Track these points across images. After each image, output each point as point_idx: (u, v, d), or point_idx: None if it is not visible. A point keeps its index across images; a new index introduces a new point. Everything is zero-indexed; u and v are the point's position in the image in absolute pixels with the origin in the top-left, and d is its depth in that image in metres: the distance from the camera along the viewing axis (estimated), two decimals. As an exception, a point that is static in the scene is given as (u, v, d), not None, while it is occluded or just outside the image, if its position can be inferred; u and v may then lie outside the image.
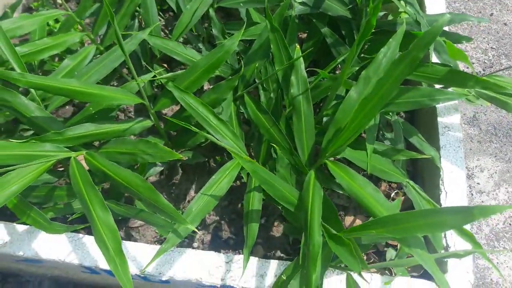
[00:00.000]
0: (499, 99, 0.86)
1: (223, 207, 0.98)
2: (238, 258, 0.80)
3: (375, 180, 1.01)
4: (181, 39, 0.98)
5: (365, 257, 0.94)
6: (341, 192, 0.85)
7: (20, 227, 0.80)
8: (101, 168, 0.71)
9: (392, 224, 0.60)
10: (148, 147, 0.73)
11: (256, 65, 0.88)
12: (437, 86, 0.97)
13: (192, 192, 1.00)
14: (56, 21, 1.17)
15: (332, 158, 0.76)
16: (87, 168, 0.71)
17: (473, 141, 1.35)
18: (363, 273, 0.77)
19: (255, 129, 0.89)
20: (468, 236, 0.70)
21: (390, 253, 0.92)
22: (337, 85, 0.78)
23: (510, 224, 1.19)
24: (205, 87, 1.12)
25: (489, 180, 1.26)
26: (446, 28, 1.06)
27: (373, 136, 0.75)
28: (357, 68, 0.85)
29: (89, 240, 0.80)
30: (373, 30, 0.70)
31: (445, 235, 0.86)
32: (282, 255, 0.92)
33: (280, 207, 0.79)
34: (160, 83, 1.08)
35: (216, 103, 0.83)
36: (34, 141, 0.72)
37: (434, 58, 0.89)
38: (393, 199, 1.02)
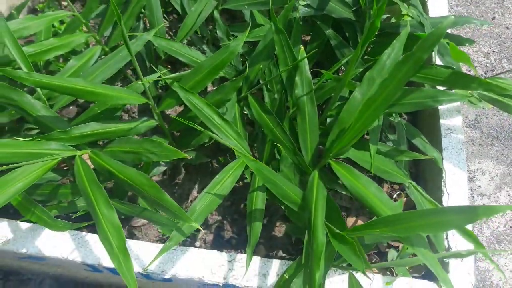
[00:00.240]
0: (501, 101, 0.86)
1: (225, 207, 0.98)
2: (241, 257, 0.80)
3: (377, 181, 1.01)
4: (185, 41, 0.99)
5: (367, 258, 0.95)
6: (343, 193, 0.85)
7: (24, 225, 0.81)
8: (106, 166, 0.71)
9: (396, 223, 0.61)
10: (153, 146, 0.74)
11: (260, 66, 0.88)
12: (439, 87, 0.98)
13: (195, 192, 1.00)
14: (61, 22, 1.18)
15: (335, 158, 0.76)
16: (92, 166, 0.71)
17: (474, 144, 1.35)
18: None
19: (259, 130, 0.90)
20: (471, 237, 0.71)
21: (392, 254, 0.92)
22: (341, 86, 0.78)
23: (511, 227, 1.19)
24: (209, 89, 1.13)
25: (490, 183, 1.26)
26: (448, 31, 1.06)
27: (377, 137, 0.76)
28: (360, 69, 0.85)
29: (92, 238, 0.80)
30: (376, 32, 0.70)
31: (446, 236, 0.86)
32: (284, 255, 0.92)
33: (283, 207, 0.80)
34: (164, 84, 1.09)
35: (221, 104, 0.84)
36: (39, 139, 0.72)
37: (437, 61, 0.89)
38: (395, 201, 1.02)
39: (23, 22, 0.83)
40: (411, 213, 0.61)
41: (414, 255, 0.89)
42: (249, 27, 0.86)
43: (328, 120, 0.86)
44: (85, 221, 0.80)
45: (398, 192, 1.04)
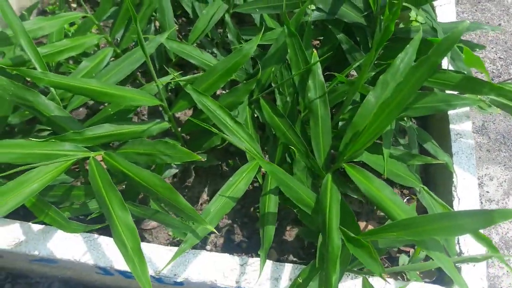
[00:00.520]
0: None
1: (235, 211, 0.98)
2: (253, 261, 0.80)
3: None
4: (195, 44, 0.99)
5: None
6: (355, 196, 0.85)
7: (36, 227, 0.80)
8: (120, 168, 0.71)
9: (411, 227, 0.61)
10: (167, 147, 0.74)
11: (272, 70, 0.88)
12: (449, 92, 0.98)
13: (204, 195, 1.00)
14: (71, 24, 1.19)
15: (349, 162, 0.76)
16: (105, 168, 0.71)
17: (482, 150, 1.35)
18: (377, 278, 0.78)
19: (270, 133, 0.90)
20: (485, 241, 0.71)
21: (403, 259, 0.92)
22: (354, 90, 0.78)
23: (519, 233, 1.19)
24: (218, 92, 1.13)
25: (498, 188, 1.26)
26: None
27: (390, 140, 0.76)
28: (372, 73, 0.86)
29: (104, 241, 0.80)
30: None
31: (458, 241, 0.86)
32: (295, 259, 0.92)
33: (295, 211, 0.80)
34: (173, 87, 1.09)
35: (233, 106, 0.84)
36: (53, 140, 0.72)
37: (444, 65, 0.90)
38: (405, 205, 1.02)
39: (37, 23, 0.83)
40: (426, 217, 0.61)
41: (426, 259, 0.89)
42: (262, 30, 0.86)
43: (340, 123, 0.86)
44: (98, 223, 0.80)
45: (407, 197, 1.03)
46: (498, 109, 0.88)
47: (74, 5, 1.28)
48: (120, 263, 0.78)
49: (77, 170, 0.92)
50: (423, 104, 0.77)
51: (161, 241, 0.94)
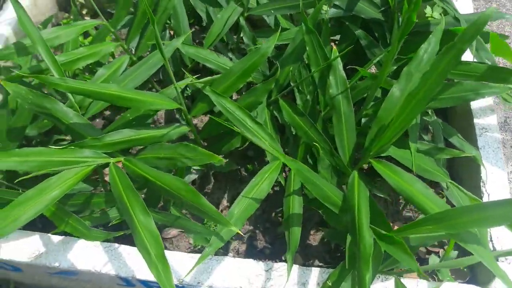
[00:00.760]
0: (540, 96, 0.84)
1: (257, 216, 0.96)
2: (278, 266, 0.77)
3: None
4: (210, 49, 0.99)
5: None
6: (381, 195, 0.82)
7: (55, 238, 0.79)
8: (141, 173, 0.70)
9: (445, 220, 0.58)
10: (187, 150, 0.72)
11: (290, 69, 0.87)
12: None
13: (224, 201, 0.98)
14: (85, 36, 1.19)
15: (376, 157, 0.74)
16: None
17: (506, 147, 1.31)
18: (408, 279, 0.74)
19: (290, 134, 0.88)
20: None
21: (433, 259, 0.88)
22: (377, 84, 0.76)
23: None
24: (234, 97, 1.12)
25: (526, 186, 1.21)
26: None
27: (416, 135, 0.73)
28: (394, 67, 0.84)
29: (125, 250, 0.78)
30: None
31: (491, 238, 0.83)
32: (321, 264, 0.89)
33: (320, 212, 0.77)
34: (189, 94, 1.08)
35: (252, 107, 0.82)
36: (72, 147, 0.71)
37: (471, 56, 0.87)
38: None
39: (54, 32, 0.83)
40: (460, 209, 0.58)
41: (457, 258, 0.85)
42: (280, 30, 0.85)
43: (363, 120, 0.84)
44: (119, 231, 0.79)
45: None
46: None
47: (87, 18, 1.29)
48: (142, 272, 0.75)
49: (96, 179, 0.91)
50: (449, 95, 0.74)
51: (182, 250, 0.92)
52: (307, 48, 0.81)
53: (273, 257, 0.91)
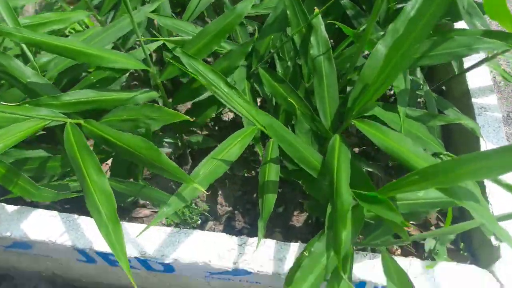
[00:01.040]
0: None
1: (237, 198, 0.88)
2: (253, 240, 0.70)
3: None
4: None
5: (399, 250, 0.82)
6: (371, 170, 0.75)
7: (10, 207, 0.72)
8: (100, 133, 0.63)
9: (438, 174, 0.50)
10: (152, 111, 0.66)
11: (271, 38, 0.81)
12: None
13: (202, 182, 0.90)
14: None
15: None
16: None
17: (509, 140, 1.24)
18: (401, 258, 0.66)
19: (271, 106, 0.81)
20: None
21: (429, 242, 0.79)
22: (361, 45, 0.70)
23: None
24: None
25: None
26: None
27: (405, 99, 0.67)
28: (381, 32, 0.78)
29: (84, 221, 0.71)
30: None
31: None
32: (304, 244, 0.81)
33: (300, 182, 0.70)
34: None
35: (228, 72, 0.76)
36: (28, 105, 0.65)
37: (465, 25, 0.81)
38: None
39: (17, -10, 0.79)
40: (455, 160, 0.50)
41: (456, 244, 0.77)
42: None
43: (348, 89, 0.78)
44: (79, 204, 0.72)
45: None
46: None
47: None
48: (100, 244, 0.68)
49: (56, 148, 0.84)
50: (441, 51, 0.67)
51: (154, 230, 0.85)
52: (288, 12, 0.76)
53: (253, 236, 0.83)
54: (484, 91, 0.93)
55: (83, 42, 0.76)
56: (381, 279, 0.66)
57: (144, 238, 0.69)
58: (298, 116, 0.69)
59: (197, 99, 0.79)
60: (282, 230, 0.82)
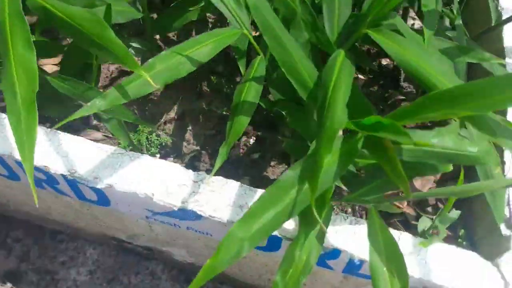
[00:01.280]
0: None
1: (207, 137, 0.74)
2: (213, 180, 0.56)
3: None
4: None
5: (388, 227, 0.69)
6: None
7: None
8: (43, 3, 0.49)
9: (466, 99, 0.36)
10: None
11: None
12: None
13: (172, 113, 0.76)
14: None
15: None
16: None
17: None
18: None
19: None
20: None
21: (424, 222, 0.66)
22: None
23: None
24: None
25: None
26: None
27: (434, 20, 0.52)
28: None
29: (7, 119, 0.56)
30: None
31: (508, 202, 0.61)
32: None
33: (285, 113, 0.55)
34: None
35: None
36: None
37: None
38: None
39: None
40: (489, 82, 0.36)
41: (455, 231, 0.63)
42: None
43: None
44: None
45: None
46: None
47: None
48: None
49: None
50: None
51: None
52: None
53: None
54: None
55: None
56: (361, 251, 0.53)
57: (79, 154, 0.55)
58: (297, 19, 0.53)
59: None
60: (252, 180, 0.68)
